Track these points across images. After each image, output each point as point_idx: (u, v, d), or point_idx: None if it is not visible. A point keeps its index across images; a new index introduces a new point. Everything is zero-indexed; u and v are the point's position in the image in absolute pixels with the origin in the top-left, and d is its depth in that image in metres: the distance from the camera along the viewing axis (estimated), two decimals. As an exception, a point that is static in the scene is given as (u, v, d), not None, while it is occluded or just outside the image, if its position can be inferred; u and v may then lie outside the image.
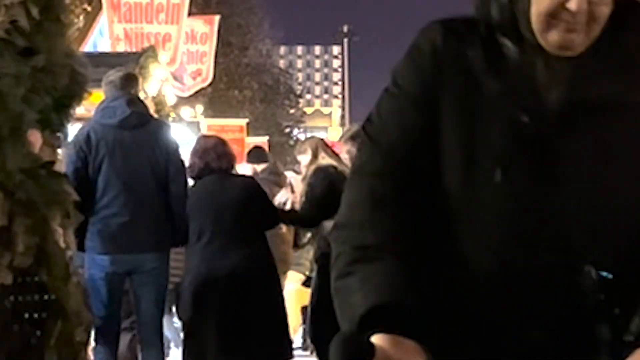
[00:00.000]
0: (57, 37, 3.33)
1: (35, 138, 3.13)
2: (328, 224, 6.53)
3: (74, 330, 3.20)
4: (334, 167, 6.67)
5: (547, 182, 1.78)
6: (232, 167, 6.57)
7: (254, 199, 6.39)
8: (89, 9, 17.01)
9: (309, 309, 6.77)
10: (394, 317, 1.65)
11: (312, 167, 6.82)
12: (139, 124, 6.14)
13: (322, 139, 7.32)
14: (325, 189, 6.55)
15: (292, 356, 6.49)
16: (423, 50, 1.87)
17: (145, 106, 6.45)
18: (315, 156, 6.81)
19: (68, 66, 3.32)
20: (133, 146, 6.07)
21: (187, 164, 6.42)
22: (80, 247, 5.79)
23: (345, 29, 60.89)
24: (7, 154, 3.03)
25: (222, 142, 6.61)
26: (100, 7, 14.99)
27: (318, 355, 6.71)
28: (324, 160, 6.77)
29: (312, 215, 6.65)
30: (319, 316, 6.61)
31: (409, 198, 1.82)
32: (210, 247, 6.17)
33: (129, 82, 6.34)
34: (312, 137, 7.60)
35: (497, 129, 1.80)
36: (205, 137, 6.96)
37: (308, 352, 9.11)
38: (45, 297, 3.12)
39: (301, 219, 6.93)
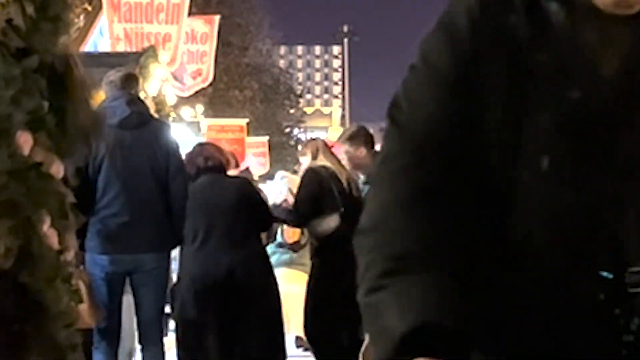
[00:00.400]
0: (57, 36, 3.31)
1: (25, 139, 3.11)
2: (318, 223, 6.55)
3: (57, 332, 3.17)
4: (325, 167, 6.69)
5: (604, 171, 1.54)
6: (226, 169, 6.58)
7: (248, 199, 6.41)
8: (89, 8, 17.00)
9: (304, 309, 6.75)
10: (436, 339, 1.46)
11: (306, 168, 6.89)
12: (139, 124, 6.14)
13: (323, 141, 7.26)
14: (313, 187, 6.58)
15: (285, 357, 6.47)
16: (457, 21, 1.62)
17: (145, 106, 6.46)
18: (314, 158, 6.81)
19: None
20: (133, 146, 6.07)
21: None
22: (81, 247, 5.80)
23: (345, 29, 60.92)
24: None
25: (214, 146, 6.66)
26: (100, 7, 14.98)
27: (315, 355, 6.69)
28: (321, 162, 6.77)
29: (300, 214, 6.66)
30: (316, 316, 6.60)
31: (448, 197, 1.57)
32: (204, 248, 6.18)
33: (129, 82, 6.33)
34: (313, 140, 7.53)
35: (545, 108, 1.55)
36: (199, 144, 7.01)
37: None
38: (27, 298, 3.11)
39: (289, 217, 6.93)
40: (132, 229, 6.01)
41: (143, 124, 6.17)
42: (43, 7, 3.21)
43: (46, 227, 3.14)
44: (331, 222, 6.59)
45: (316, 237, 6.69)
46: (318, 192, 6.55)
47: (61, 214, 3.21)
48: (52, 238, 3.18)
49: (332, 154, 6.97)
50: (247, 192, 6.52)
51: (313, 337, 6.67)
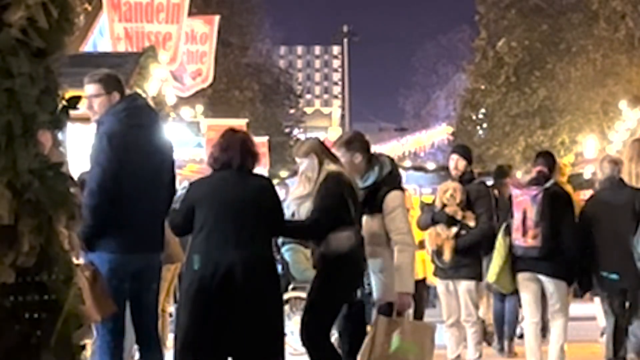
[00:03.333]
0: (68, 37, 3.35)
1: (46, 139, 3.14)
2: (335, 238, 6.47)
3: (72, 332, 3.20)
4: (341, 174, 6.56)
5: None
6: (253, 166, 6.39)
7: (265, 200, 6.26)
8: (89, 8, 17.00)
9: (303, 314, 6.71)
10: None
11: (323, 174, 6.65)
12: (156, 125, 6.19)
13: (320, 142, 6.92)
14: (337, 199, 6.47)
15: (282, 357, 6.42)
16: None
17: None
18: (321, 162, 6.65)
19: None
20: (155, 146, 6.11)
21: (209, 154, 6.40)
22: (91, 247, 5.84)
23: (345, 29, 60.86)
24: (17, 154, 3.04)
25: (248, 140, 6.43)
26: (100, 7, 14.99)
27: (310, 355, 6.65)
28: (335, 167, 6.63)
29: (323, 226, 6.49)
30: (314, 316, 6.58)
31: None
32: (208, 244, 6.12)
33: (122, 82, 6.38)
34: (311, 140, 7.09)
35: None
36: (232, 131, 6.57)
37: None
38: (45, 297, 3.13)
39: (311, 230, 6.65)
40: (148, 228, 6.03)
41: (157, 125, 6.22)
42: (63, 8, 3.24)
43: (62, 227, 3.17)
44: (346, 240, 6.43)
45: (328, 251, 6.49)
46: (338, 204, 6.44)
47: (72, 214, 3.23)
48: (65, 238, 3.21)
49: (335, 157, 6.77)
50: (268, 193, 6.34)
51: (311, 341, 6.63)
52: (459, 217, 8.67)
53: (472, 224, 8.65)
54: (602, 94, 28.75)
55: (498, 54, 32.74)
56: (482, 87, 34.93)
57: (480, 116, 37.52)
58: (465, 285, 8.73)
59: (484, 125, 37.04)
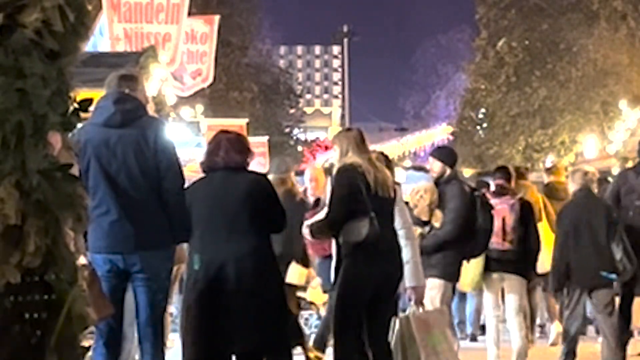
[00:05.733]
0: (83, 42, 3.37)
1: (56, 140, 3.15)
2: (350, 229, 6.51)
3: (77, 333, 3.20)
4: (354, 166, 6.59)
5: None
6: (243, 164, 6.43)
7: (258, 195, 6.31)
8: (89, 8, 17.01)
9: (329, 303, 6.80)
10: None
11: (337, 166, 6.71)
12: (125, 122, 6.04)
13: (356, 133, 6.93)
14: (348, 189, 6.53)
15: (289, 356, 6.42)
16: None
17: (135, 104, 6.25)
18: (343, 154, 6.70)
19: None
20: (118, 145, 6.01)
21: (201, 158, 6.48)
22: None
23: (345, 29, 60.88)
24: (27, 155, 3.05)
25: (236, 140, 6.48)
26: (100, 7, 14.98)
27: (335, 351, 6.67)
28: (350, 159, 6.65)
29: (339, 217, 6.58)
30: (336, 310, 6.60)
31: None
32: (203, 240, 6.17)
33: (125, 81, 6.28)
34: (343, 131, 7.21)
35: None
36: (222, 132, 6.65)
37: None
38: (49, 297, 3.13)
39: (328, 222, 6.75)
40: (121, 229, 5.97)
41: (130, 121, 6.07)
42: (79, 12, 3.26)
43: (68, 228, 3.18)
44: (362, 228, 6.52)
45: (347, 242, 6.59)
46: (349, 195, 6.52)
47: (78, 216, 3.24)
48: (71, 240, 3.21)
49: (365, 148, 6.80)
50: (259, 188, 6.38)
51: (334, 335, 6.69)
52: (424, 218, 8.69)
53: (437, 224, 8.66)
54: (602, 94, 28.77)
55: (498, 53, 32.75)
56: (482, 86, 34.95)
57: (481, 116, 37.54)
58: (429, 283, 8.70)
59: (484, 125, 37.07)
